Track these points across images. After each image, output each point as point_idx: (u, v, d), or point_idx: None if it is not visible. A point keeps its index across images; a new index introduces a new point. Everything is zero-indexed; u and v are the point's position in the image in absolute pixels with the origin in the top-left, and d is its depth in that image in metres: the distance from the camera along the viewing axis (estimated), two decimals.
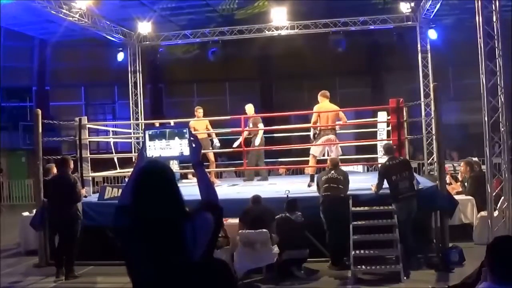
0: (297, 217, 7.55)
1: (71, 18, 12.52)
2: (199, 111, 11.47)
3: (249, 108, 11.67)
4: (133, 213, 2.24)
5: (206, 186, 2.48)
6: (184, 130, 2.77)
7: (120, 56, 15.71)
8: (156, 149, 2.79)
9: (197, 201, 2.41)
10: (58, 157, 8.70)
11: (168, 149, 2.78)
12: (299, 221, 7.53)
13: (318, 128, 9.57)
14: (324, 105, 9.71)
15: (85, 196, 9.10)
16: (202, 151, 10.40)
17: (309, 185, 9.42)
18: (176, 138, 2.78)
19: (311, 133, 9.87)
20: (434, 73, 14.59)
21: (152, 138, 2.81)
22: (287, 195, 8.14)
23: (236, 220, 7.56)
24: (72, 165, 8.43)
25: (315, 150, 9.60)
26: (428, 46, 14.69)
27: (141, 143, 10.50)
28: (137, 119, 15.47)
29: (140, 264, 2.22)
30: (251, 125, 11.41)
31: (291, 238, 7.33)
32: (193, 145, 2.68)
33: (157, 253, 2.17)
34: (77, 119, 10.21)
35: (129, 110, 15.87)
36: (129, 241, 2.24)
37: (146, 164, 2.42)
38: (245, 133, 11.28)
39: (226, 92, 22.92)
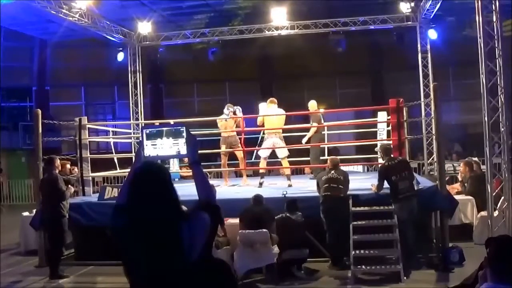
0: (297, 217, 7.54)
1: (71, 18, 12.52)
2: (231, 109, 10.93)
3: (312, 105, 11.18)
4: (130, 213, 2.24)
5: (203, 186, 2.48)
6: (182, 129, 2.75)
7: (120, 56, 15.70)
8: (153, 148, 2.78)
9: (195, 201, 2.40)
10: (45, 157, 8.64)
11: (166, 148, 2.76)
12: (299, 221, 7.51)
13: (265, 132, 10.38)
14: (270, 110, 10.40)
15: (71, 196, 8.93)
16: (229, 149, 10.50)
17: (260, 185, 10.08)
18: (174, 136, 2.76)
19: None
20: (434, 73, 14.59)
21: (149, 137, 2.79)
22: (285, 195, 8.14)
23: (236, 220, 7.56)
24: (58, 164, 8.41)
25: (262, 153, 10.43)
26: (428, 46, 14.69)
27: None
28: (137, 119, 15.46)
29: (137, 264, 2.22)
30: (314, 123, 11.07)
31: (291, 238, 7.32)
32: (191, 144, 2.67)
33: (153, 253, 2.17)
34: (77, 119, 10.18)
35: (129, 110, 15.86)
36: (126, 241, 2.24)
37: (141, 165, 2.44)
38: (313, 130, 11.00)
39: (226, 92, 22.93)
